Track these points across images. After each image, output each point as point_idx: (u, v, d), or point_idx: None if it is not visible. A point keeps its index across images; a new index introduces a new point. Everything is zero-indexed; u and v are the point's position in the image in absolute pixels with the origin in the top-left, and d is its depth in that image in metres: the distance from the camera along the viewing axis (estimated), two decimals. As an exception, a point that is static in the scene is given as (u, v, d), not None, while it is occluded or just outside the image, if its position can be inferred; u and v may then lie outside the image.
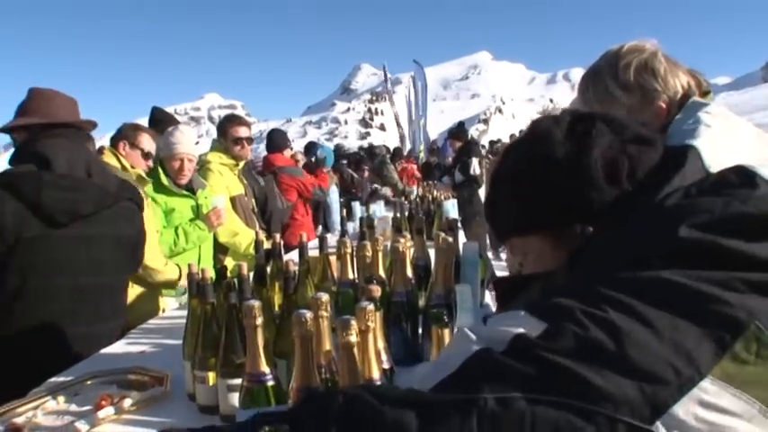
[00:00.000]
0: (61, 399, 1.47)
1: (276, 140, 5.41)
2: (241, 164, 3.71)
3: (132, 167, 2.89)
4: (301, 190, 5.14)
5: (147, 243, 2.61)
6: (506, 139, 11.36)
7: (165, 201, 2.97)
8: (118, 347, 1.96)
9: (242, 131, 3.63)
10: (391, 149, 11.16)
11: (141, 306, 2.64)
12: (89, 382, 1.56)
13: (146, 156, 2.99)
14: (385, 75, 17.75)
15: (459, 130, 7.83)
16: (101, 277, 1.99)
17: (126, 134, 2.97)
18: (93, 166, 1.94)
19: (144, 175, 2.95)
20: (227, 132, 3.61)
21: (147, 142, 3.00)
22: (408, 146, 15.92)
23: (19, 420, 1.35)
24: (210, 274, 1.48)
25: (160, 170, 3.00)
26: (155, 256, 2.64)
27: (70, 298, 1.91)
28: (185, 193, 3.07)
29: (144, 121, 4.10)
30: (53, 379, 1.62)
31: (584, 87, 1.57)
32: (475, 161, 6.89)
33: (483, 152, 10.50)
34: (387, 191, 8.09)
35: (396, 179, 8.95)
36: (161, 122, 3.70)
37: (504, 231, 0.96)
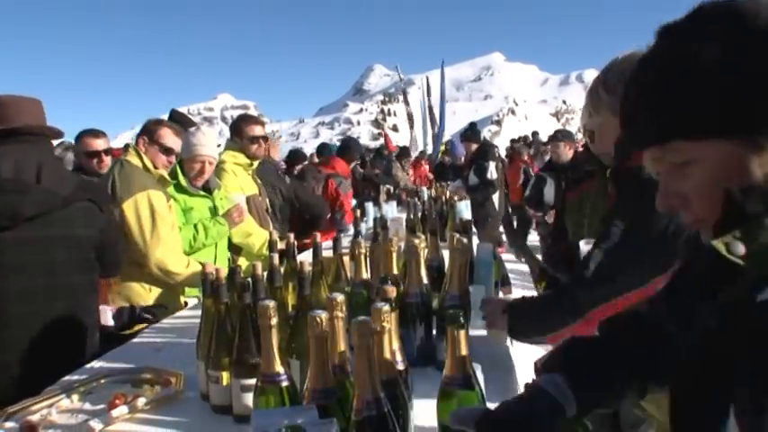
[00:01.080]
0: (75, 397, 1.48)
1: (351, 149, 5.60)
2: (255, 163, 3.71)
3: (155, 167, 2.81)
4: (332, 201, 5.12)
5: (167, 248, 2.61)
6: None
7: (184, 200, 2.96)
8: (132, 345, 1.97)
9: (257, 130, 3.63)
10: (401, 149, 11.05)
11: (157, 300, 2.65)
12: (103, 381, 1.57)
13: (165, 151, 2.86)
14: (399, 76, 17.80)
15: (472, 132, 7.52)
16: (57, 278, 1.96)
17: (147, 129, 2.87)
18: (44, 170, 1.92)
19: (167, 176, 2.87)
20: (242, 131, 3.60)
21: (168, 137, 2.86)
22: (420, 147, 15.95)
23: (34, 418, 1.36)
24: (224, 273, 1.48)
25: (178, 170, 2.98)
26: (176, 261, 2.65)
27: (25, 300, 1.89)
28: (202, 193, 3.07)
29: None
30: (67, 377, 1.63)
31: (587, 93, 1.76)
32: (492, 165, 6.73)
33: (498, 153, 10.38)
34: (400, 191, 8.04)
35: (400, 178, 8.84)
36: (179, 124, 3.70)
37: (686, 128, 0.73)
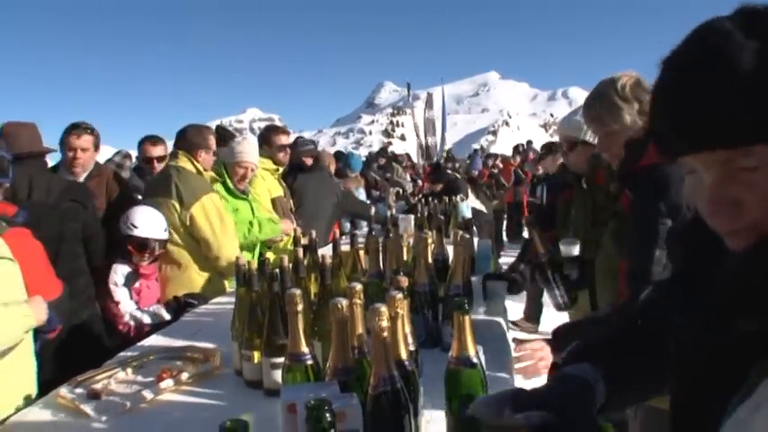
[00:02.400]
0: (129, 370, 1.51)
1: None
2: (281, 169, 3.72)
3: (205, 170, 2.86)
4: None
5: (233, 243, 2.65)
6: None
7: (231, 201, 2.97)
8: (176, 327, 1.99)
9: (284, 139, 3.65)
10: (403, 157, 10.73)
11: (208, 287, 2.66)
12: (152, 358, 1.59)
13: (215, 155, 2.98)
14: (408, 91, 17.80)
15: (440, 172, 6.56)
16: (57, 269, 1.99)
17: (199, 143, 2.85)
18: (34, 187, 2.05)
19: (216, 177, 2.96)
20: (271, 140, 3.61)
21: (213, 142, 2.96)
22: (425, 154, 15.92)
23: (97, 386, 1.40)
24: (255, 265, 1.49)
25: (225, 174, 2.99)
26: (234, 251, 2.64)
27: None
28: (244, 196, 3.08)
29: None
30: (122, 353, 1.66)
31: (590, 106, 1.68)
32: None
33: (492, 161, 10.33)
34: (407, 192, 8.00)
35: (398, 176, 8.64)
36: (223, 138, 3.74)
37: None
